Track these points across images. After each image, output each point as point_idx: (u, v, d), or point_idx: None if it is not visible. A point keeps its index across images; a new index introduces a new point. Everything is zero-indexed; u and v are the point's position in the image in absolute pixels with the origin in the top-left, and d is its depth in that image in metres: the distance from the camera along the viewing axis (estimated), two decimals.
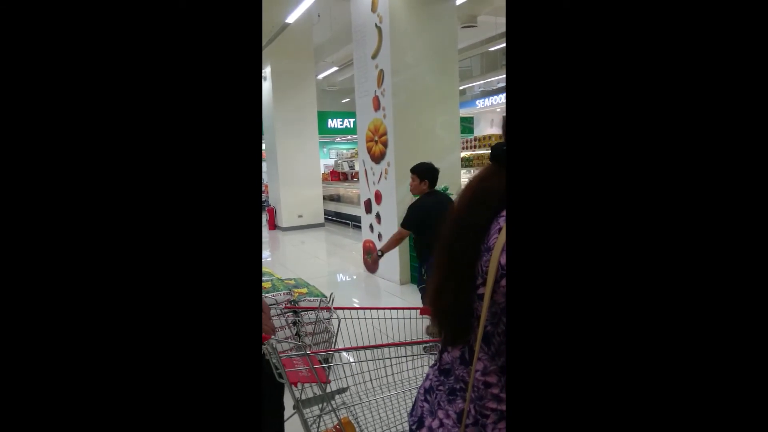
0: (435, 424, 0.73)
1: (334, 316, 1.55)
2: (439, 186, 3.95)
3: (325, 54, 9.18)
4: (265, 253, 5.84)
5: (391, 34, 3.92)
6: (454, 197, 4.38)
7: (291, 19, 5.64)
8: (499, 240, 0.61)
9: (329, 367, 1.39)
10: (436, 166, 3.00)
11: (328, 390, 1.27)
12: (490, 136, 6.62)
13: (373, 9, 4.09)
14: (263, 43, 6.62)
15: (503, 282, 0.60)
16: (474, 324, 0.67)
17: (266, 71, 7.26)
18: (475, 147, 6.74)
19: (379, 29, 4.05)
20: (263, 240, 6.88)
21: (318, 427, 1.36)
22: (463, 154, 6.63)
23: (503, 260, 0.60)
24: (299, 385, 1.31)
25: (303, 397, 1.29)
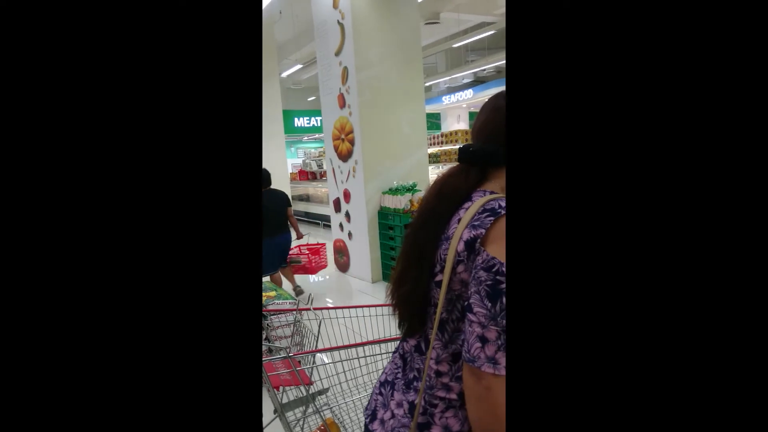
0: (387, 415, 0.73)
1: (314, 316, 1.52)
2: (408, 183, 3.97)
3: (288, 52, 9.04)
4: None
5: (353, 30, 3.88)
6: (422, 194, 4.52)
7: None
8: (457, 230, 0.63)
9: (312, 369, 1.37)
10: (403, 162, 3.84)
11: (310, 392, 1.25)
12: (456, 132, 6.68)
13: (335, 5, 4.04)
14: None
15: (459, 268, 0.62)
16: (431, 312, 0.67)
17: None
18: (442, 143, 6.79)
19: (342, 26, 4.00)
20: None
21: (302, 430, 1.34)
22: (431, 150, 6.66)
23: (460, 248, 0.62)
24: (280, 389, 1.29)
25: (284, 401, 1.26)
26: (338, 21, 4.03)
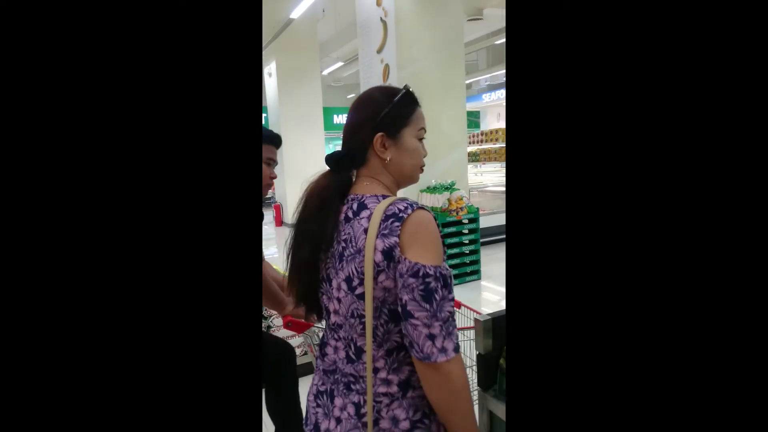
0: (332, 424, 0.74)
1: None
2: (446, 182, 3.94)
3: (330, 49, 9.16)
4: (272, 250, 5.85)
5: (396, 28, 3.89)
6: (461, 192, 4.45)
7: (296, 14, 5.62)
8: (368, 241, 0.66)
9: None
10: (442, 161, 3.73)
11: None
12: (497, 131, 6.56)
13: (378, 3, 4.06)
14: (268, 40, 6.61)
15: (381, 278, 0.66)
16: (354, 323, 0.71)
17: (271, 67, 7.24)
18: (482, 141, 6.69)
19: (384, 23, 4.01)
20: (271, 236, 6.90)
21: None
22: (470, 148, 6.58)
23: (378, 258, 0.65)
24: None
25: None
26: (381, 18, 4.04)
